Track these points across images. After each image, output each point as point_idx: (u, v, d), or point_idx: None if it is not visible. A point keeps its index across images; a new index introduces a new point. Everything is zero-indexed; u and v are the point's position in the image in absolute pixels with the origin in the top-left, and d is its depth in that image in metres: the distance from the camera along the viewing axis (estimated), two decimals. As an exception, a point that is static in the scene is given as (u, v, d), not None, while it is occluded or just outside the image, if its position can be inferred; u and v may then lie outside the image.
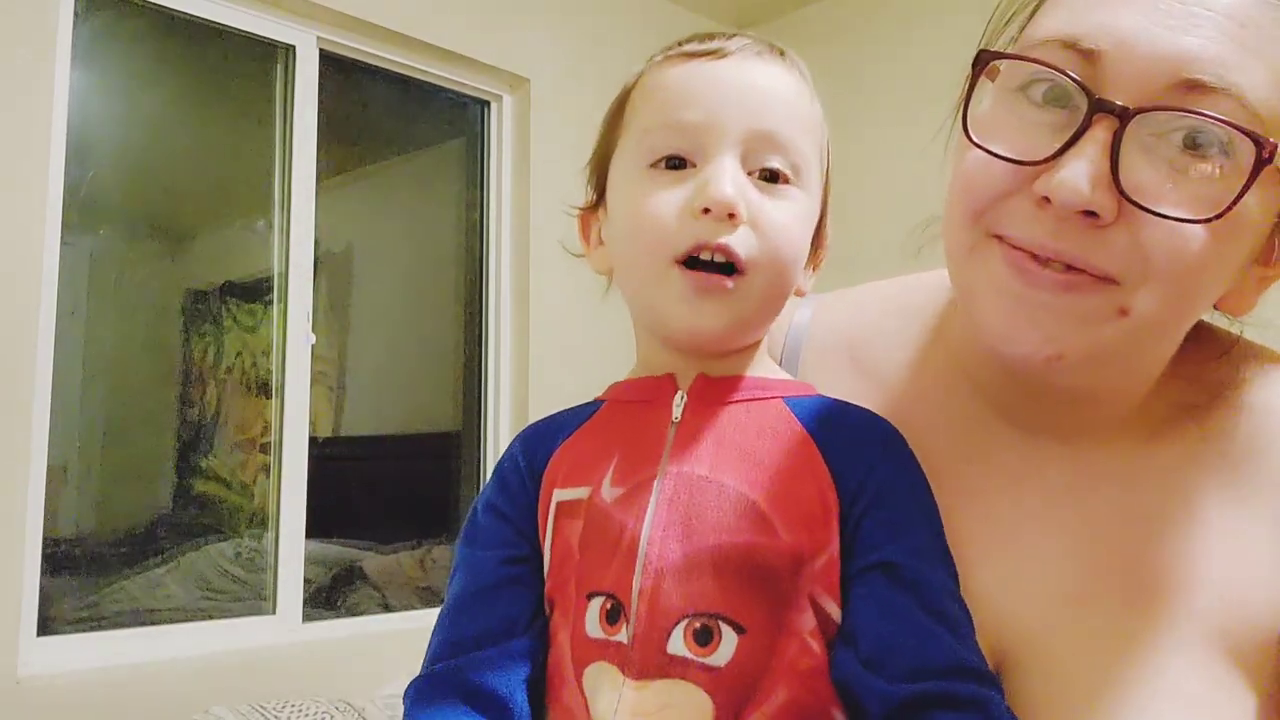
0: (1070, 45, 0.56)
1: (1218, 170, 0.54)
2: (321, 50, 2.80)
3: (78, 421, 2.46)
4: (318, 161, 2.75)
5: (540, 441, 0.70)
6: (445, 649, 0.65)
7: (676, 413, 0.65)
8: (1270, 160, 0.53)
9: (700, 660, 0.58)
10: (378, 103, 3.13)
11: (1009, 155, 0.58)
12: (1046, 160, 0.56)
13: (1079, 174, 0.54)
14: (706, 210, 0.62)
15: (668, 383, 0.67)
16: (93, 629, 2.35)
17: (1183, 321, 0.60)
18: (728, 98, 0.64)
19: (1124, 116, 0.54)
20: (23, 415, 2.13)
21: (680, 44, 0.69)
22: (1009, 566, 0.66)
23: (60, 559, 2.33)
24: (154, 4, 2.50)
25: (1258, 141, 0.53)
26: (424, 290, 3.37)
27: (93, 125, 2.45)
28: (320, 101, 2.77)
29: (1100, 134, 0.55)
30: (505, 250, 3.17)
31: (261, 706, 2.03)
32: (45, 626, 2.23)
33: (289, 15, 2.71)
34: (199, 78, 2.76)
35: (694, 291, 0.63)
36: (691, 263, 0.63)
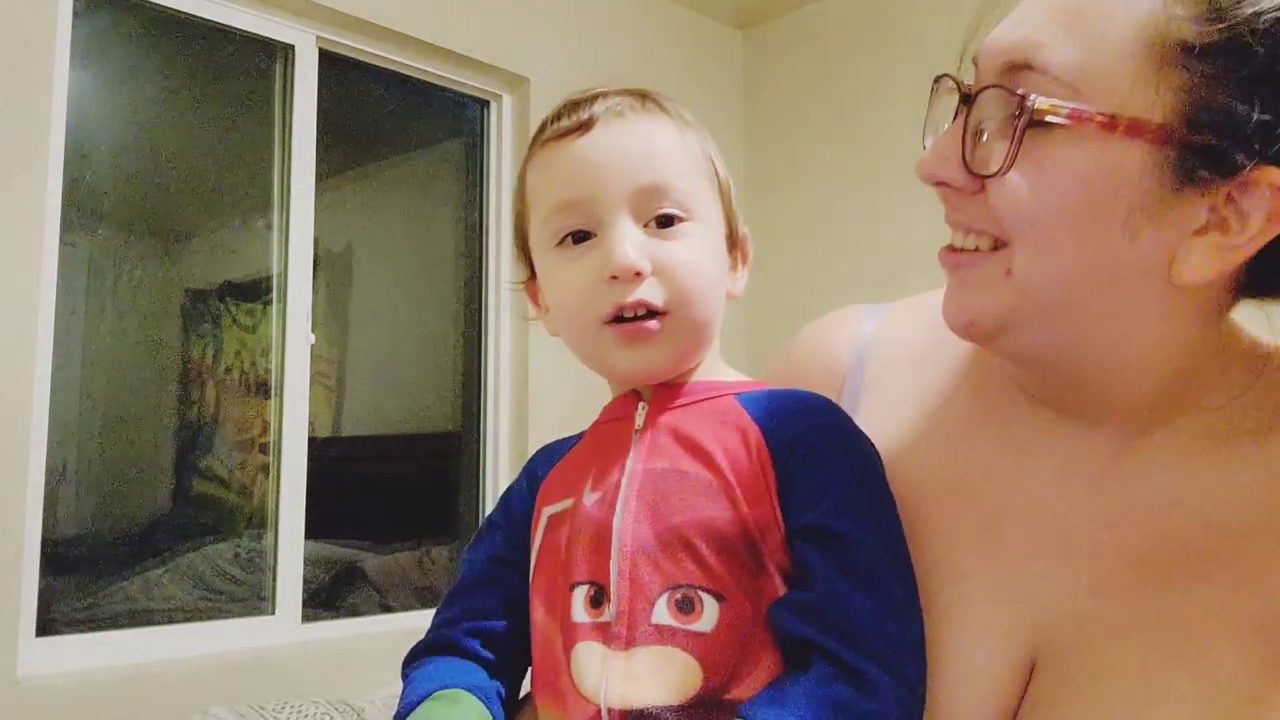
0: (973, 58, 0.66)
1: (1009, 128, 0.61)
2: (321, 50, 2.80)
3: (77, 421, 2.46)
4: (317, 161, 2.75)
5: (542, 463, 0.79)
6: (432, 630, 0.76)
7: (639, 421, 0.72)
8: (1028, 109, 0.59)
9: (686, 627, 0.64)
10: (377, 102, 3.13)
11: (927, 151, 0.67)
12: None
13: (927, 154, 0.65)
14: (614, 277, 0.69)
15: (632, 398, 0.75)
16: (92, 629, 2.35)
17: (1071, 281, 0.62)
18: (601, 168, 0.71)
19: (968, 100, 0.63)
20: (22, 415, 2.13)
21: (552, 121, 0.75)
22: (1054, 558, 0.67)
23: (59, 559, 2.33)
24: (153, 3, 2.50)
25: (1021, 103, 0.59)
26: (423, 290, 3.37)
27: (92, 125, 2.45)
28: (319, 101, 2.77)
29: (959, 119, 0.64)
30: (505, 250, 3.16)
31: (261, 707, 2.03)
32: (44, 627, 2.22)
33: (288, 15, 2.71)
34: (198, 77, 2.76)
35: (625, 342, 0.70)
36: (618, 319, 0.70)
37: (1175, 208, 0.59)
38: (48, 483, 2.21)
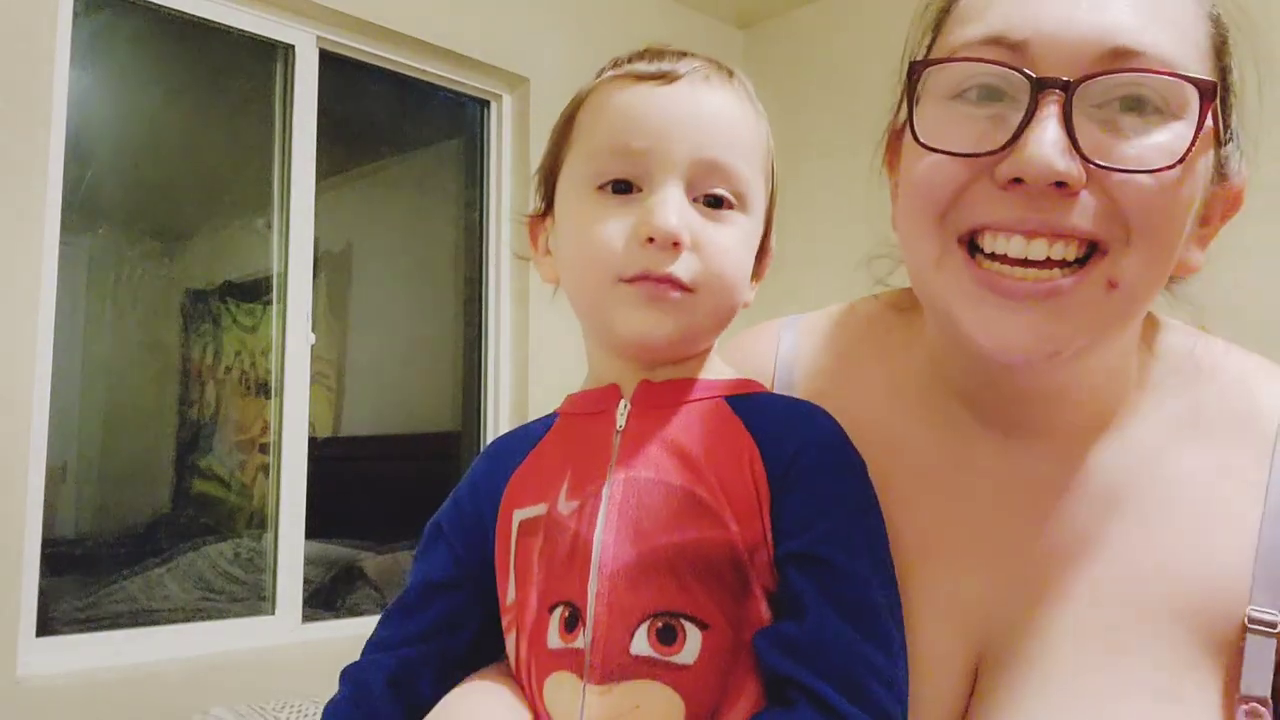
0: (997, 41, 0.59)
1: (1163, 125, 0.57)
2: (321, 50, 2.79)
3: (77, 421, 2.46)
4: (317, 161, 2.74)
5: (501, 461, 0.72)
6: (366, 651, 0.71)
7: (621, 421, 0.67)
8: (1214, 96, 0.56)
9: (667, 659, 0.59)
10: (377, 102, 3.13)
11: (963, 150, 0.59)
12: (1004, 147, 0.58)
13: (1046, 146, 0.56)
14: (651, 239, 0.63)
15: (612, 392, 0.69)
16: (92, 629, 2.35)
17: (1159, 284, 0.62)
18: (674, 126, 0.65)
19: (1067, 89, 0.56)
20: (22, 415, 2.13)
21: (630, 60, 0.70)
22: (986, 570, 0.67)
23: (59, 559, 2.33)
24: (153, 3, 2.50)
25: (1197, 83, 0.56)
26: (423, 290, 3.37)
27: (92, 125, 2.45)
28: (319, 101, 2.77)
29: (1050, 110, 0.57)
30: (505, 250, 3.16)
31: (261, 707, 2.03)
32: (44, 627, 2.22)
33: (288, 15, 2.71)
34: (198, 77, 2.76)
35: (642, 299, 0.64)
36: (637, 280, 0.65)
37: (1202, 207, 0.61)
38: (48, 482, 2.21)
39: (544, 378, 3.06)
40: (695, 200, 0.65)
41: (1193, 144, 0.56)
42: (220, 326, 2.78)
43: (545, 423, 0.73)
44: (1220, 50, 0.62)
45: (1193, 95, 0.57)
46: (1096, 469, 0.67)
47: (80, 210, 2.39)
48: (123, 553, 2.55)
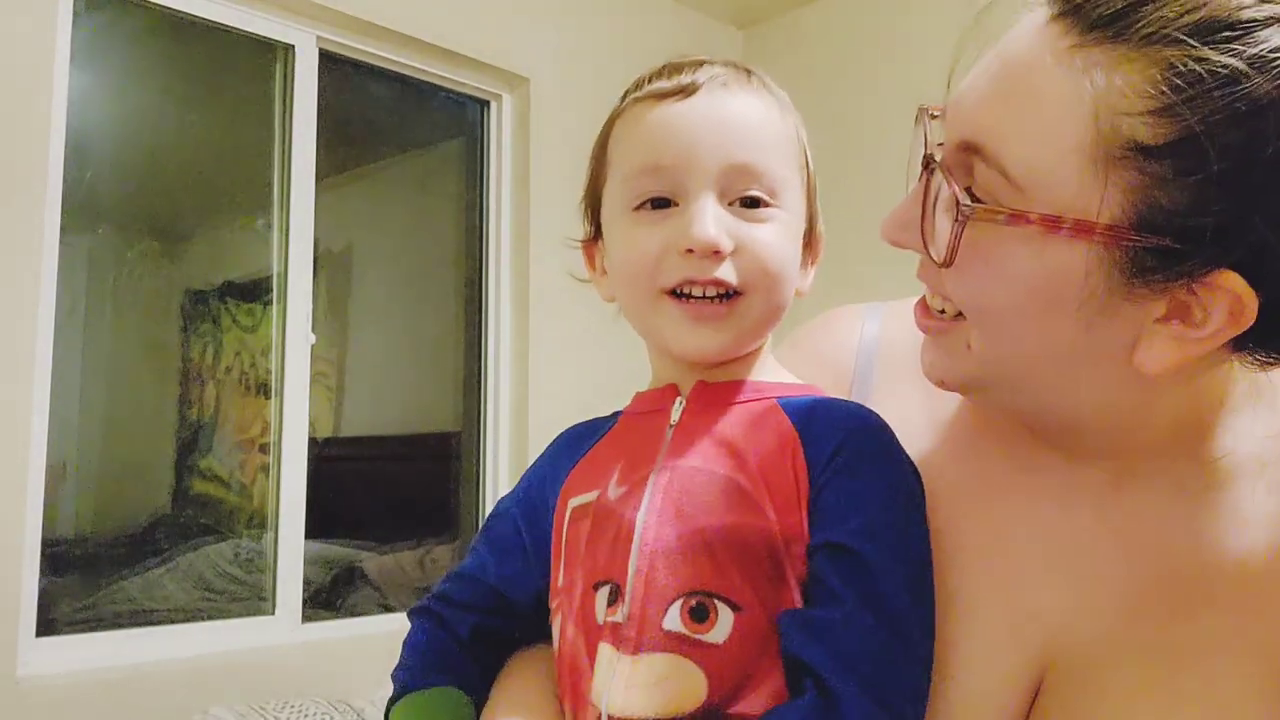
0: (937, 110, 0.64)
1: (960, 229, 0.59)
2: (321, 49, 2.79)
3: (77, 421, 2.45)
4: (317, 161, 2.74)
5: (567, 452, 0.77)
6: (437, 597, 0.78)
7: (675, 416, 0.70)
8: (963, 212, 0.58)
9: (697, 636, 0.61)
10: (377, 102, 3.13)
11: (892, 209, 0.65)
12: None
13: (889, 218, 0.64)
14: (690, 250, 0.66)
15: (670, 392, 0.72)
16: (92, 629, 2.35)
17: (1029, 360, 0.62)
18: (699, 138, 0.67)
19: (928, 165, 0.61)
20: (22, 415, 2.13)
21: (650, 80, 0.72)
22: (1061, 582, 0.66)
23: (60, 559, 2.33)
24: (153, 3, 2.50)
25: (958, 203, 0.58)
26: (424, 290, 3.37)
27: (92, 124, 2.45)
28: (319, 101, 2.77)
29: (921, 183, 0.62)
30: (505, 250, 3.16)
31: (261, 707, 2.03)
32: (44, 627, 2.22)
33: (288, 14, 2.71)
34: (198, 77, 2.76)
35: (690, 319, 0.67)
36: (681, 294, 0.68)
37: (1130, 301, 0.56)
38: (48, 482, 2.21)
39: (544, 378, 3.06)
40: (731, 204, 0.68)
41: (951, 246, 0.60)
42: (220, 326, 2.78)
43: (612, 419, 0.77)
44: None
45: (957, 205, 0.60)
46: (1166, 489, 0.66)
47: (80, 210, 2.39)
48: (123, 553, 2.55)
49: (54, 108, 2.26)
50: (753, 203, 0.68)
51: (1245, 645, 0.61)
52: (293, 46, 2.74)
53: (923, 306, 0.66)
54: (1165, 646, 0.62)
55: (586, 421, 0.79)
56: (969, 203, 0.57)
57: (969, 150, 0.58)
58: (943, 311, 0.64)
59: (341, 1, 2.72)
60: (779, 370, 0.74)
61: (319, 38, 2.78)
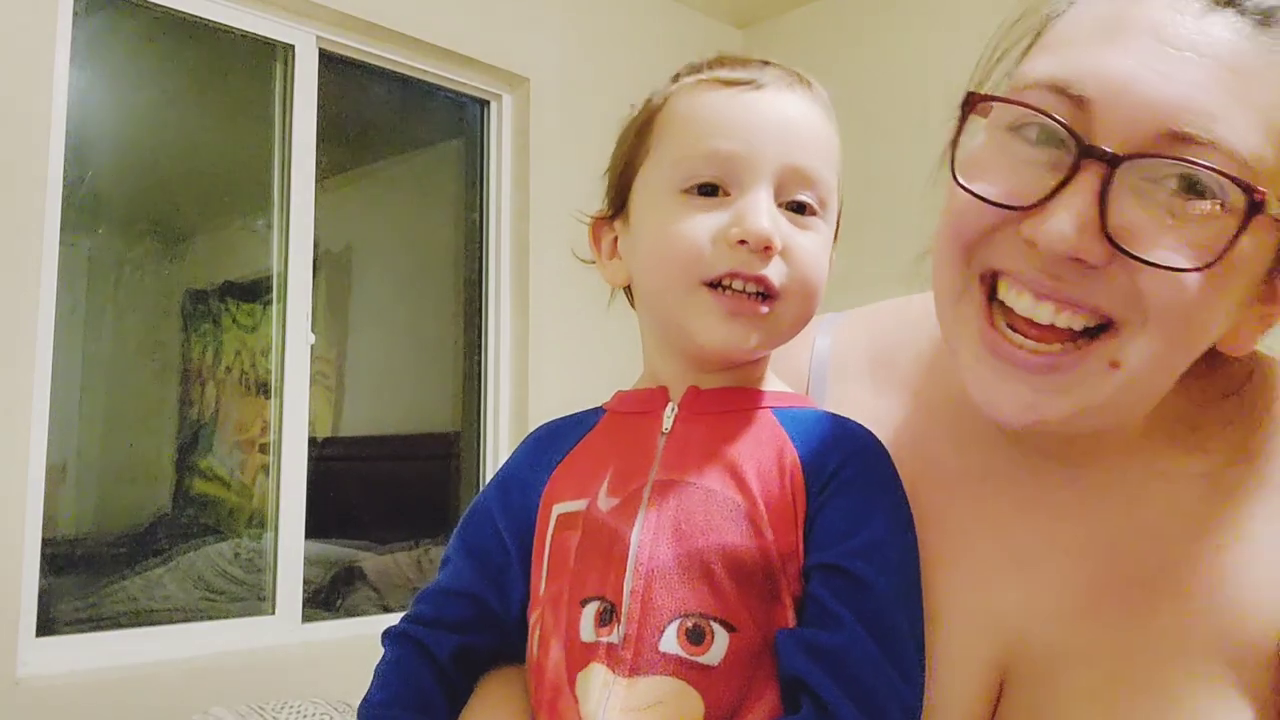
0: (1060, 90, 0.57)
1: (1210, 216, 0.54)
2: (321, 50, 2.79)
3: (77, 421, 2.46)
4: (317, 161, 2.75)
5: (545, 453, 0.73)
6: (414, 620, 0.73)
7: (667, 424, 0.68)
8: (1261, 207, 0.54)
9: (694, 659, 0.60)
10: (377, 102, 3.13)
11: (998, 197, 0.59)
12: (1036, 204, 0.57)
13: (1064, 222, 0.55)
14: (742, 241, 0.64)
15: (660, 395, 0.70)
16: (92, 629, 2.35)
17: (1171, 369, 0.60)
18: (765, 131, 0.66)
19: (1112, 162, 0.54)
20: (22, 415, 2.13)
21: (710, 67, 0.70)
22: (1020, 585, 0.66)
23: (60, 559, 2.33)
24: (153, 3, 2.50)
25: (1247, 189, 0.53)
26: (423, 290, 3.37)
27: (92, 124, 2.45)
28: (319, 101, 2.77)
29: (1089, 180, 0.55)
30: (505, 250, 3.16)
31: (261, 707, 2.03)
32: (44, 627, 2.22)
33: (288, 14, 2.71)
34: (198, 77, 2.76)
35: (727, 314, 0.65)
36: (716, 285, 0.65)
37: (1267, 285, 0.58)
38: (48, 482, 2.21)
39: (544, 378, 3.06)
40: (780, 206, 0.66)
41: (1225, 250, 0.54)
42: (220, 326, 2.78)
43: (592, 416, 0.74)
44: None
45: (1244, 196, 0.54)
46: (1125, 493, 0.66)
47: (80, 210, 2.39)
48: (123, 553, 2.55)
49: (54, 108, 2.26)
50: (800, 208, 0.67)
51: (1199, 645, 0.61)
52: (293, 46, 2.74)
53: (1018, 348, 0.58)
54: (1119, 648, 0.62)
55: (562, 418, 0.76)
56: (1257, 190, 0.53)
57: (1179, 139, 0.54)
58: (1068, 330, 0.57)
59: (341, 1, 2.72)
60: (773, 379, 0.72)
61: (319, 38, 2.78)
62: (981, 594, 0.66)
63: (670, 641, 0.61)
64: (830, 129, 0.70)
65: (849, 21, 3.52)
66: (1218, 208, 0.54)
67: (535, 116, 3.15)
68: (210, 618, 2.53)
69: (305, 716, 2.03)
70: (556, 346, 3.07)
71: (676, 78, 0.71)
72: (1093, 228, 0.55)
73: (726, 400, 0.69)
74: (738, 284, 0.65)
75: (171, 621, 2.48)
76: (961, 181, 0.60)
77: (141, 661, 2.29)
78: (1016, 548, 0.67)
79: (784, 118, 0.67)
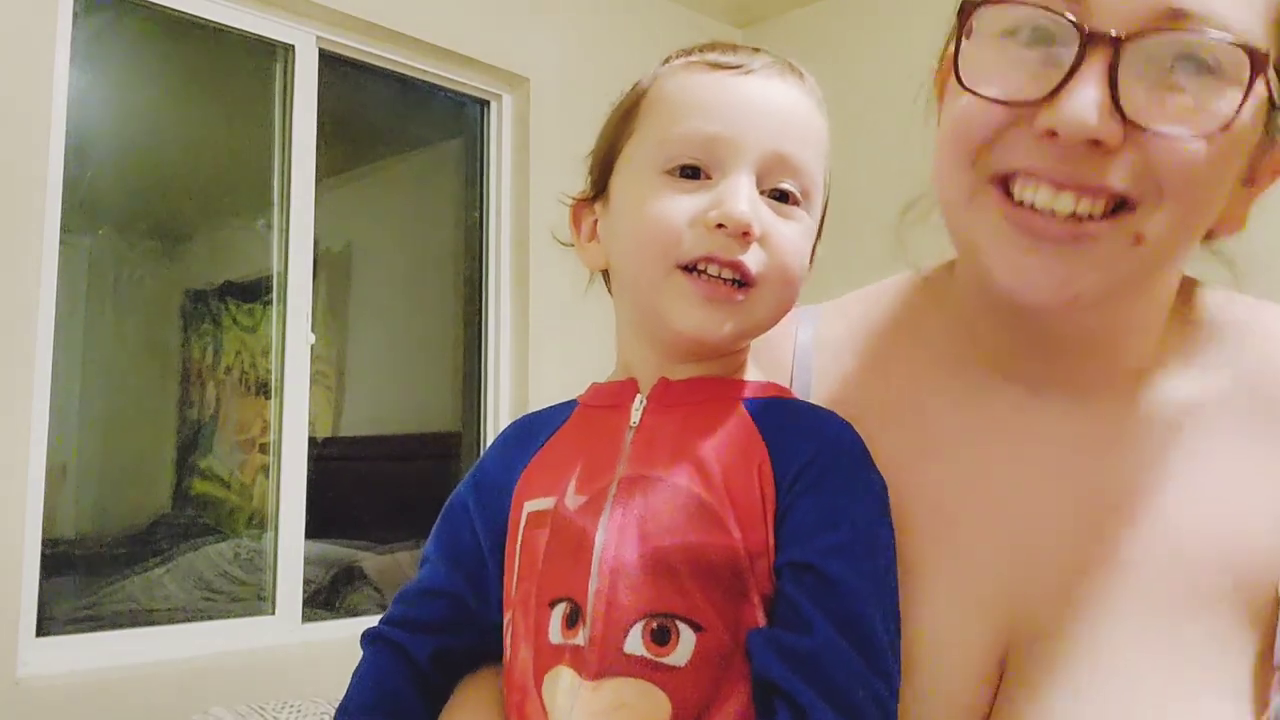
0: None
1: (1214, 87, 0.56)
2: (320, 49, 2.79)
3: (77, 421, 2.46)
4: (317, 161, 2.75)
5: (518, 449, 0.72)
6: (392, 621, 0.74)
7: (635, 417, 0.67)
8: (1264, 66, 0.56)
9: (659, 659, 0.59)
10: (377, 102, 3.13)
11: (1003, 96, 0.59)
12: (1045, 97, 0.57)
13: (1084, 104, 0.55)
14: (721, 225, 0.63)
15: (630, 387, 0.69)
16: (92, 629, 2.35)
17: (1189, 243, 0.62)
18: (750, 116, 0.65)
19: (1116, 44, 0.56)
20: (22, 415, 2.13)
21: (701, 50, 0.69)
22: (1018, 539, 0.66)
23: (59, 559, 2.33)
24: (153, 3, 2.50)
25: (1250, 51, 0.55)
26: (423, 290, 3.37)
27: (92, 124, 2.45)
28: (319, 101, 2.77)
29: (1096, 65, 0.56)
30: (505, 250, 3.16)
31: (261, 707, 2.03)
32: (44, 627, 2.22)
33: (288, 15, 2.71)
34: (198, 77, 2.76)
35: (702, 298, 0.64)
36: (693, 269, 0.64)
37: (1262, 155, 0.60)
38: (48, 482, 2.21)
39: (544, 378, 3.06)
40: (763, 193, 0.65)
41: (1236, 112, 0.56)
42: (220, 326, 2.78)
43: (564, 410, 0.73)
44: None
45: (1246, 61, 0.56)
46: (1126, 430, 0.66)
47: (80, 210, 2.40)
48: (122, 553, 2.55)
49: (54, 108, 2.26)
50: (783, 196, 0.66)
51: (1205, 585, 0.62)
52: (293, 46, 2.74)
53: (1055, 219, 0.59)
54: (1127, 595, 0.62)
55: (537, 411, 0.75)
56: (1258, 53, 0.56)
57: (1178, 16, 0.55)
58: (1089, 216, 0.58)
59: (341, 1, 2.72)
60: (752, 369, 0.71)
61: (319, 38, 2.78)
62: (976, 568, 0.65)
63: (635, 643, 0.59)
64: (819, 120, 0.69)
65: (849, 21, 3.52)
66: (1216, 79, 0.56)
67: (535, 116, 3.15)
68: (210, 618, 2.53)
69: (305, 716, 2.03)
70: (556, 346, 3.07)
71: (667, 61, 0.71)
72: (1107, 109, 0.55)
73: (697, 391, 0.67)
74: (713, 269, 0.64)
75: (171, 621, 2.48)
76: (967, 83, 0.60)
77: (141, 661, 2.29)
78: (1013, 500, 0.66)
79: (771, 104, 0.66)
